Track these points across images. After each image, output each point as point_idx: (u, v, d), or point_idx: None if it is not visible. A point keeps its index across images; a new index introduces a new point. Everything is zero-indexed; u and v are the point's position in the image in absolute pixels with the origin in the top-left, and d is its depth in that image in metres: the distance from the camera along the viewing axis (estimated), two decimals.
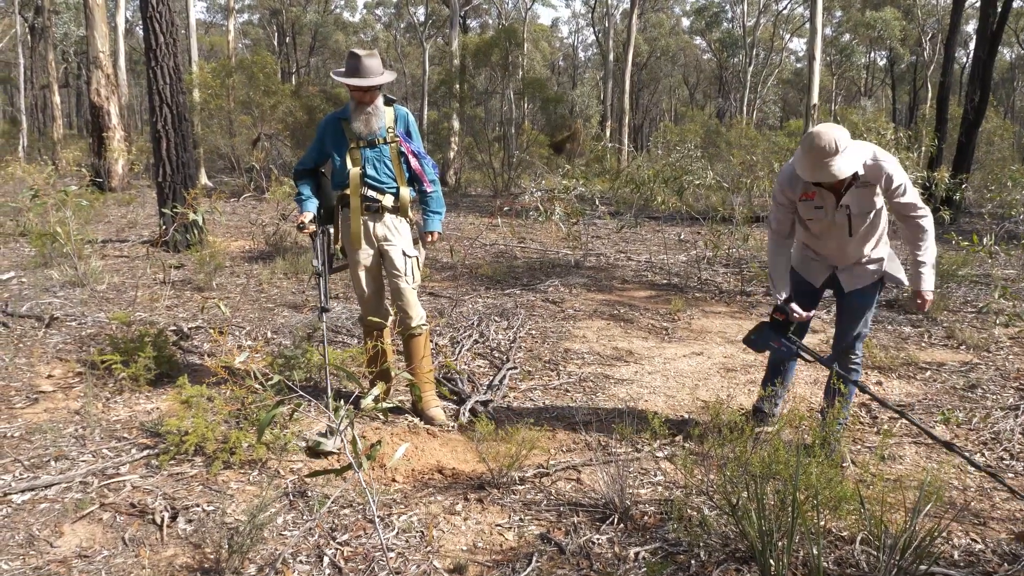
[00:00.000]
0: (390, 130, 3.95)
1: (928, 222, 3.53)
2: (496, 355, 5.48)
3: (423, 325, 4.14)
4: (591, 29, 46.11)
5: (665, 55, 46.04)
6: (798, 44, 50.89)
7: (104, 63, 15.41)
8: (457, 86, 21.48)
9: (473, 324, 6.25)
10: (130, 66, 25.83)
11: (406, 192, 4.04)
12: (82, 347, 5.21)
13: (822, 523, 2.52)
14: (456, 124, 22.16)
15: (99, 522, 2.96)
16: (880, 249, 3.71)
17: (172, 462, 3.45)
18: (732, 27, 42.71)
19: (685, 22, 49.47)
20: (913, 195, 3.50)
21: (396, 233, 4.04)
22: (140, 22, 9.36)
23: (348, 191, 3.94)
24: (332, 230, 4.07)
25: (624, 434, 3.95)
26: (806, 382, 5.00)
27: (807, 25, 25.47)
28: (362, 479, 2.13)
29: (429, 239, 4.12)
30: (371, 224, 4.00)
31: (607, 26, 32.98)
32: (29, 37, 33.25)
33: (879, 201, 3.53)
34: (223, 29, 35.89)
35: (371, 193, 3.95)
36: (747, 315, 6.94)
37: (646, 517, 3.04)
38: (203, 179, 18.07)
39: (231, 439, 3.46)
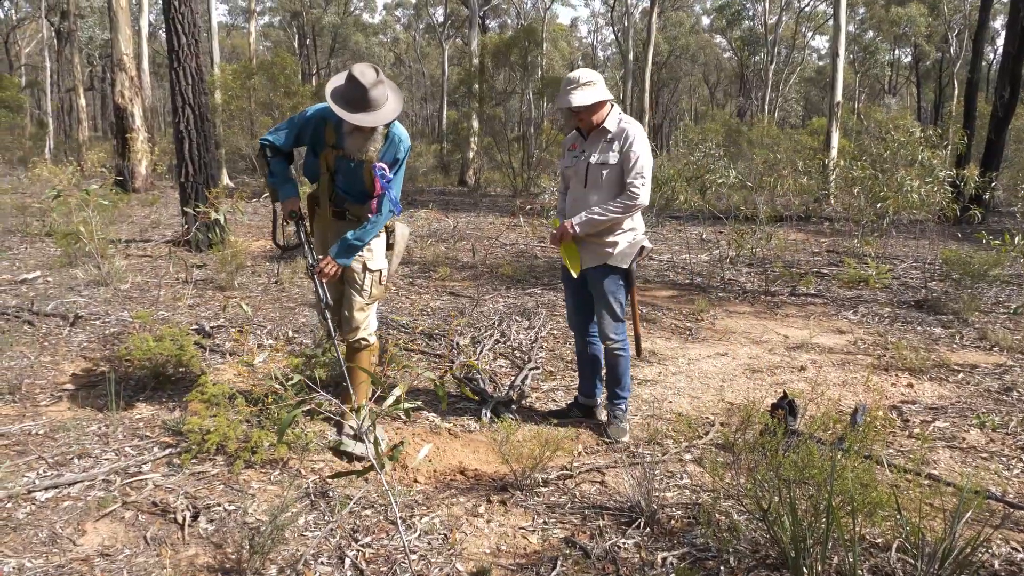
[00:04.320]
0: (376, 152, 3.58)
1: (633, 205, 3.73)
2: (518, 355, 5.43)
3: (366, 340, 3.83)
4: (610, 28, 45.94)
5: (685, 54, 45.77)
6: (821, 42, 50.41)
7: (128, 65, 15.54)
8: (476, 86, 21.47)
9: (494, 324, 6.20)
10: (154, 68, 26.04)
11: (373, 204, 3.77)
12: (105, 345, 5.22)
13: (857, 529, 2.45)
14: (475, 124, 22.15)
15: (121, 521, 2.94)
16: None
17: (194, 461, 3.43)
18: (753, 25, 42.38)
19: (705, 20, 49.19)
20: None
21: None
22: (164, 25, 9.39)
23: (318, 192, 3.77)
24: (307, 221, 3.83)
25: (650, 436, 3.89)
26: (835, 384, 4.91)
27: (830, 22, 25.20)
28: (384, 481, 2.09)
29: (323, 262, 3.62)
30: (338, 231, 3.75)
31: (626, 25, 32.80)
32: (56, 41, 33.67)
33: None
34: (244, 31, 36.14)
35: (340, 201, 3.74)
36: (772, 315, 6.84)
37: (673, 521, 2.98)
38: (225, 179, 18.18)
39: (253, 438, 3.44)
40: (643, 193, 3.73)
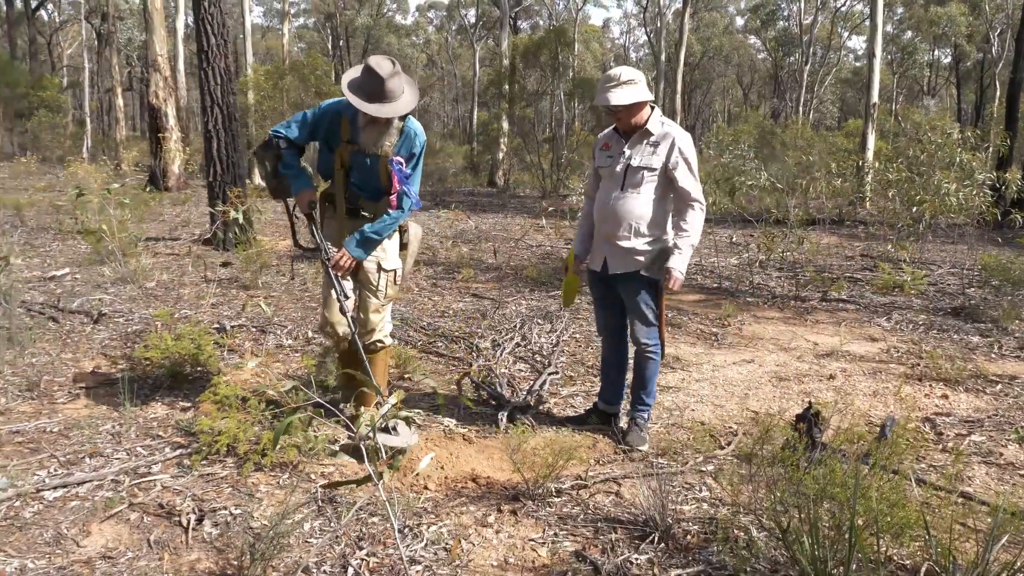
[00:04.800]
0: (391, 146, 3.54)
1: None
2: (538, 359, 5.34)
3: (381, 342, 3.77)
4: (643, 29, 45.64)
5: (718, 55, 45.32)
6: (857, 42, 49.65)
7: (162, 66, 15.71)
8: (506, 87, 21.40)
9: (515, 326, 6.12)
10: (190, 69, 26.36)
11: (393, 200, 3.69)
12: (127, 343, 5.23)
13: (883, 550, 2.32)
14: (505, 125, 22.08)
15: (126, 522, 2.90)
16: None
17: (204, 462, 3.39)
18: (788, 25, 41.79)
19: (739, 21, 48.66)
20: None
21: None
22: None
23: (332, 189, 3.68)
24: (318, 217, 3.72)
25: (667, 446, 3.78)
26: (865, 394, 4.74)
27: (867, 23, 24.71)
28: (382, 491, 2.02)
29: (337, 255, 3.56)
30: (352, 229, 3.66)
31: (659, 26, 32.56)
32: (96, 43, 34.28)
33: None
34: (279, 33, 36.48)
35: (354, 198, 3.66)
36: (801, 321, 6.67)
37: (689, 536, 2.87)
38: (256, 179, 18.32)
39: (263, 441, 3.39)
40: (702, 197, 3.68)
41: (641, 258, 3.66)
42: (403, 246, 3.84)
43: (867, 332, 6.30)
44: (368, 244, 3.60)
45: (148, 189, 15.26)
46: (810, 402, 3.69)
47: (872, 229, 11.43)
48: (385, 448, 3.15)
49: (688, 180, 3.62)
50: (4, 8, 33.32)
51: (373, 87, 3.33)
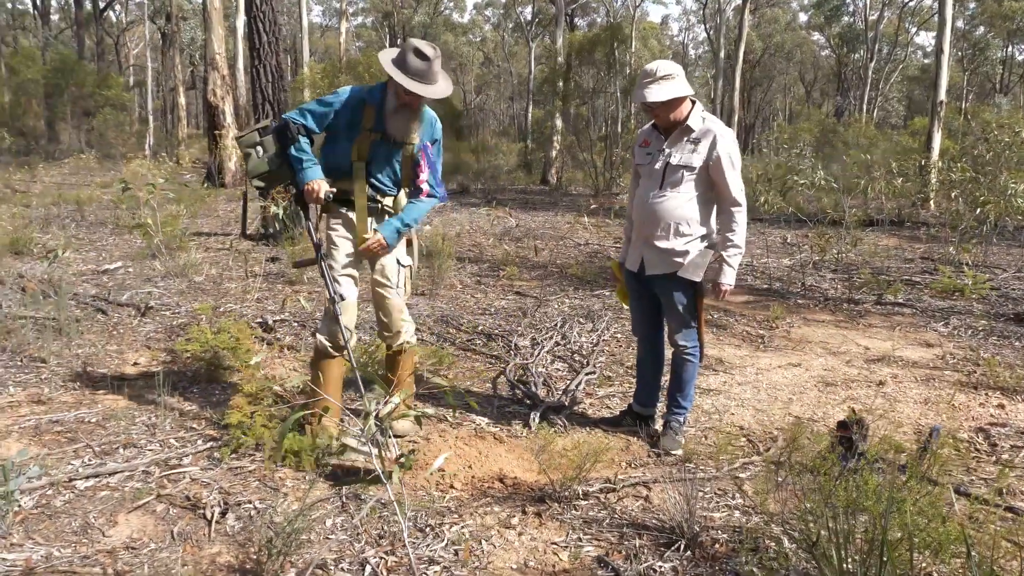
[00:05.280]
0: (416, 134, 3.51)
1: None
2: (577, 359, 5.26)
3: (409, 342, 3.68)
4: (702, 26, 44.97)
5: (780, 51, 44.38)
6: (926, 38, 48.09)
7: (220, 64, 16.07)
8: (560, 84, 21.28)
9: (556, 325, 6.04)
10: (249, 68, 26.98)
11: (403, 197, 3.67)
12: (171, 336, 5.32)
13: (921, 566, 2.19)
14: (559, 122, 21.96)
15: (152, 514, 2.93)
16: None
17: (233, 456, 3.41)
18: (853, 21, 40.66)
19: (802, 17, 47.57)
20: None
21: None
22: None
23: (347, 185, 3.49)
24: (314, 217, 3.60)
25: (701, 450, 3.67)
26: (916, 402, 4.54)
27: (935, 17, 23.89)
28: (390, 491, 1.98)
29: (372, 240, 3.48)
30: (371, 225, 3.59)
31: (718, 22, 32.02)
32: (161, 42, 35.29)
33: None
34: (337, 32, 37.03)
35: (371, 192, 3.55)
36: (853, 324, 6.44)
37: (717, 545, 2.76)
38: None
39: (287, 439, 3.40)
40: (744, 198, 3.56)
41: (680, 259, 3.55)
42: (408, 242, 3.75)
43: (922, 337, 6.05)
44: (399, 233, 3.56)
45: (205, 185, 15.63)
46: (852, 408, 3.54)
47: (934, 231, 11.03)
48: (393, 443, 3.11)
49: (728, 180, 3.49)
50: (73, 9, 34.52)
51: (420, 67, 3.29)
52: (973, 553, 2.28)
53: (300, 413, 2.05)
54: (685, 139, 3.54)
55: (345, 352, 3.45)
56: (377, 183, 3.55)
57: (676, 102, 3.50)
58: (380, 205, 3.59)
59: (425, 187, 3.59)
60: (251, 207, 9.47)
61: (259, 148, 3.49)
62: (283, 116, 3.55)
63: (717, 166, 3.48)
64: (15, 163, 18.22)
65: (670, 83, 3.43)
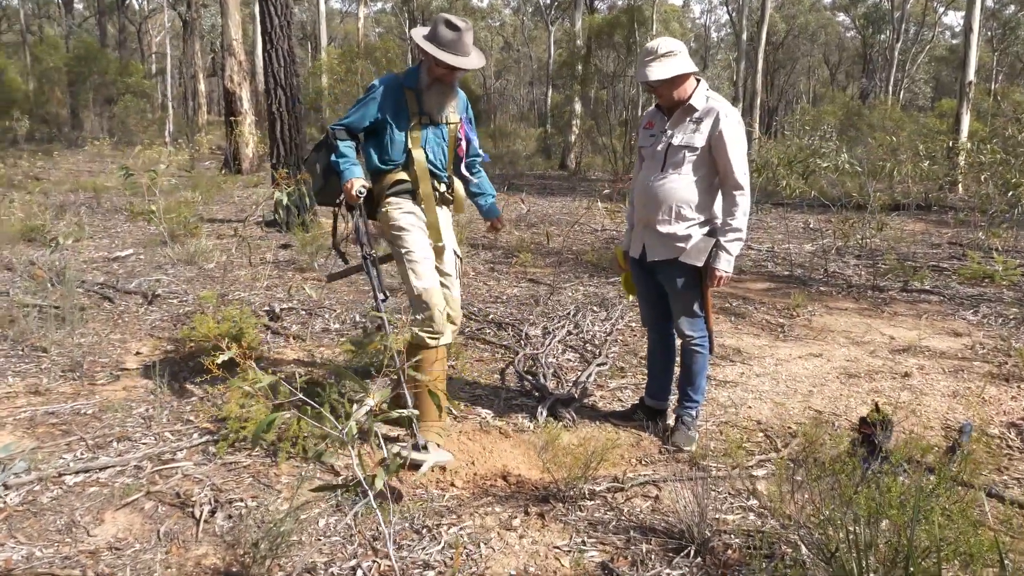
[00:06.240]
0: (454, 111, 3.47)
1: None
2: (589, 348, 5.11)
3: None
4: (724, 8, 44.22)
5: (804, 33, 43.58)
6: (954, 18, 46.99)
7: (237, 50, 15.97)
8: (579, 68, 20.99)
9: (569, 314, 5.88)
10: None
11: (459, 183, 3.60)
12: (176, 324, 5.23)
13: None
14: (578, 107, 21.68)
15: (140, 512, 2.83)
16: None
17: (230, 450, 3.30)
18: (880, 1, 39.81)
19: None
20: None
21: (448, 229, 3.55)
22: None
23: (406, 175, 3.38)
24: (364, 212, 3.44)
25: (715, 447, 3.51)
26: (943, 395, 4.34)
27: None
28: (371, 499, 1.84)
29: (500, 226, 3.82)
30: (442, 218, 3.51)
31: (741, 3, 31.42)
32: (182, 29, 35.36)
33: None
34: (356, 18, 36.88)
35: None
36: (878, 313, 6.22)
37: (729, 551, 2.61)
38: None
39: (291, 429, 3.28)
40: (747, 182, 3.36)
41: (681, 244, 3.38)
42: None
43: (950, 326, 5.83)
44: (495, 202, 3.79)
45: (223, 172, 15.59)
46: (876, 403, 3.36)
47: (962, 215, 10.70)
48: (416, 462, 3.00)
49: (730, 161, 3.30)
50: None
51: (451, 38, 3.24)
52: (1007, 562, 2.11)
53: (279, 414, 1.91)
54: (688, 119, 3.37)
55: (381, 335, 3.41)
56: (434, 170, 3.45)
57: (679, 80, 3.33)
58: (438, 192, 3.49)
59: (479, 158, 3.68)
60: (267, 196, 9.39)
61: (317, 166, 3.48)
62: (329, 127, 3.48)
63: (720, 145, 3.30)
64: (39, 151, 18.31)
65: (672, 60, 3.28)
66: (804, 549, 2.48)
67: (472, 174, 3.66)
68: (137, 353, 4.66)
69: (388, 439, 3.38)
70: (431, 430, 3.31)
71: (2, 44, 32.94)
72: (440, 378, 3.37)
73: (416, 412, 2.63)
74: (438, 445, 3.21)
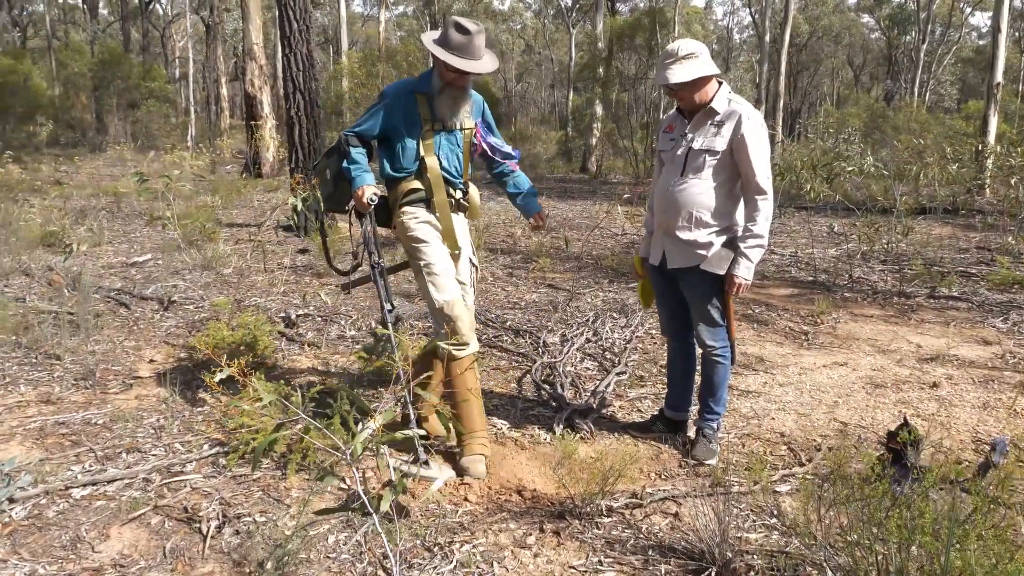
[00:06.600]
0: (468, 116, 3.40)
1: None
2: (608, 356, 5.01)
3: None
4: (747, 10, 43.88)
5: (828, 34, 43.11)
6: (981, 19, 46.30)
7: (257, 54, 16.03)
8: (600, 70, 20.87)
9: (588, 321, 5.79)
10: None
11: (474, 189, 3.52)
12: (191, 331, 5.20)
13: None
14: (599, 109, 21.56)
15: (147, 527, 2.77)
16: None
17: (240, 462, 3.24)
18: (905, 2, 39.31)
19: None
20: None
21: (464, 236, 3.48)
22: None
23: (420, 183, 3.32)
24: (374, 220, 3.38)
25: (737, 461, 3.40)
26: (973, 406, 4.20)
27: None
28: (376, 521, 1.77)
29: (541, 222, 3.60)
30: (458, 226, 3.45)
31: (763, 5, 31.14)
32: (205, 34, 35.67)
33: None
34: (377, 21, 37.00)
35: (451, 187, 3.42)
36: (904, 320, 6.06)
37: (752, 572, 2.50)
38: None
39: (302, 441, 3.22)
40: (770, 186, 3.26)
41: (703, 252, 3.28)
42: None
43: (980, 334, 5.66)
44: (535, 197, 3.64)
45: (243, 176, 15.64)
46: (905, 417, 3.23)
47: (991, 219, 10.47)
48: (415, 477, 2.93)
49: (752, 164, 3.19)
50: (120, 3, 35.03)
51: (460, 41, 3.16)
52: None
53: (280, 433, 1.85)
54: (709, 122, 3.27)
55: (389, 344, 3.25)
56: (448, 177, 3.38)
57: (700, 83, 3.22)
58: (453, 200, 3.41)
59: (511, 158, 3.58)
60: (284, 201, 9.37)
61: (327, 172, 3.43)
62: (343, 132, 3.42)
63: (741, 149, 3.19)
64: (62, 155, 18.48)
65: (693, 63, 3.18)
66: (830, 573, 2.38)
67: (505, 178, 3.61)
68: (151, 361, 4.62)
69: (401, 448, 3.31)
70: (476, 439, 3.26)
71: (28, 50, 33.31)
72: (475, 389, 3.31)
73: (421, 432, 2.54)
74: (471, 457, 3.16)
